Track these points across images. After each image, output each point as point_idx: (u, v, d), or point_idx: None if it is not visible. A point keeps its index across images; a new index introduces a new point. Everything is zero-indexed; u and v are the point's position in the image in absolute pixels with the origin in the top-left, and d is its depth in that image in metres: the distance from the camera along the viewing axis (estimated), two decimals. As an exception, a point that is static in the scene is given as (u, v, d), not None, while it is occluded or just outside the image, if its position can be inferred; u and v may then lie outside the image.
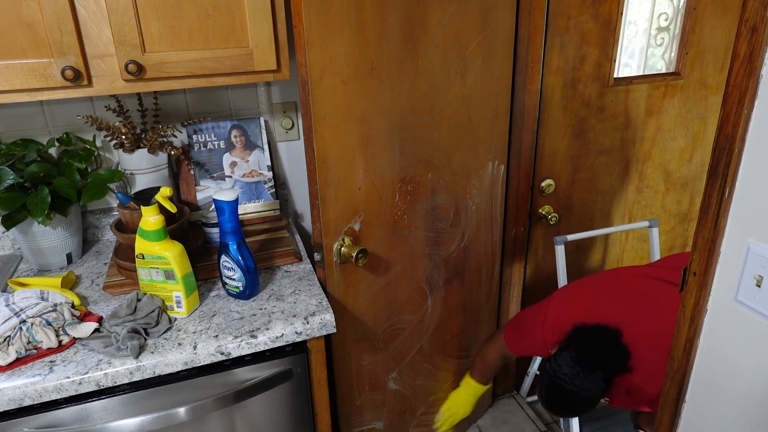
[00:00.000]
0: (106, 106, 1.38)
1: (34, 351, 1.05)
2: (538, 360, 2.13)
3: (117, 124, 1.36)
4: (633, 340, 1.29)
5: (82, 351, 1.07)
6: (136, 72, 1.11)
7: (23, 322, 1.05)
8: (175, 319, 1.17)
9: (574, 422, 1.86)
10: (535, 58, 1.68)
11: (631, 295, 1.38)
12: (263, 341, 1.12)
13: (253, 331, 1.13)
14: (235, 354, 1.10)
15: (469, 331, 1.88)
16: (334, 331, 1.18)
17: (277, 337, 1.13)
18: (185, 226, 1.33)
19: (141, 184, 1.41)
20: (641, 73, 2.05)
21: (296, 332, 1.15)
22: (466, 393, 1.69)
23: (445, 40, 1.40)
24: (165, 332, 1.12)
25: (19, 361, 1.03)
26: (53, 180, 1.28)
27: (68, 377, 1.00)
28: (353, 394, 1.54)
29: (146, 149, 1.39)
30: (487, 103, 1.59)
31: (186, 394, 1.11)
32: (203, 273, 1.31)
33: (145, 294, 1.17)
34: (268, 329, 1.13)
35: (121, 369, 1.03)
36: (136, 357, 1.04)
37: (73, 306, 1.16)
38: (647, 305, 1.34)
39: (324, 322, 1.17)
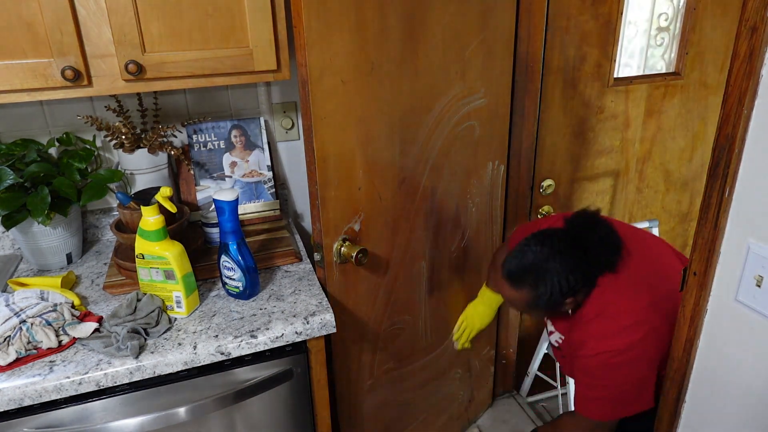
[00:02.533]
0: (106, 106, 1.38)
1: (34, 351, 1.05)
2: (538, 360, 2.13)
3: (117, 124, 1.36)
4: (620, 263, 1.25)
5: (82, 351, 1.07)
6: (136, 72, 1.11)
7: (23, 322, 1.05)
8: (175, 319, 1.17)
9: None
10: (535, 58, 1.68)
11: (624, 230, 1.33)
12: (263, 341, 1.12)
13: (253, 331, 1.13)
14: (235, 354, 1.10)
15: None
16: (334, 331, 1.19)
17: (277, 337, 1.13)
18: (185, 226, 1.33)
19: (141, 184, 1.41)
20: (641, 73, 2.05)
21: (296, 332, 1.15)
22: (483, 303, 1.66)
23: (445, 40, 1.40)
24: (165, 332, 1.12)
25: (19, 361, 1.03)
26: (53, 180, 1.28)
27: (68, 377, 1.00)
28: (353, 394, 1.54)
29: (146, 149, 1.39)
30: (486, 102, 1.59)
31: (186, 394, 1.11)
32: (203, 273, 1.31)
33: (145, 294, 1.17)
34: (268, 329, 1.13)
35: (121, 369, 1.03)
36: (136, 357, 1.04)
37: (73, 306, 1.16)
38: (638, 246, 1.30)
39: (324, 322, 1.17)
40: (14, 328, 1.05)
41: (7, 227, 1.25)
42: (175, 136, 1.54)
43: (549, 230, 1.25)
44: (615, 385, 1.21)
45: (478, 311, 1.67)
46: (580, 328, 1.27)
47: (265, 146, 1.57)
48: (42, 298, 1.13)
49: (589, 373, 1.24)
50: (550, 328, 1.42)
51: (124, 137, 1.36)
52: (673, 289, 1.22)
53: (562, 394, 2.10)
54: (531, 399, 2.24)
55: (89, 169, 1.38)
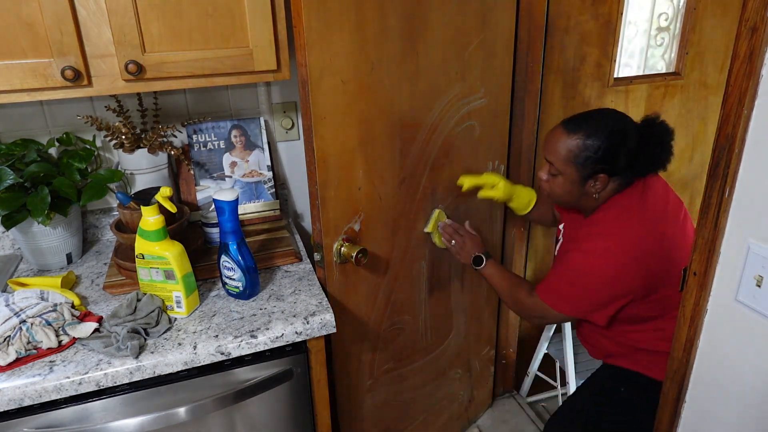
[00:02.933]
0: (106, 106, 1.38)
1: (34, 351, 1.05)
2: (538, 360, 2.13)
3: (117, 124, 1.36)
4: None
5: (82, 351, 1.07)
6: (136, 72, 1.11)
7: (23, 322, 1.05)
8: (175, 319, 1.17)
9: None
10: (535, 58, 1.68)
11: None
12: (263, 341, 1.12)
13: (253, 331, 1.13)
14: (235, 354, 1.10)
15: (469, 331, 1.88)
16: (334, 331, 1.18)
17: (277, 337, 1.13)
18: (185, 226, 1.33)
19: (141, 184, 1.41)
20: (641, 73, 2.05)
21: (296, 332, 1.15)
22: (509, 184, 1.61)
23: (445, 40, 1.40)
24: (165, 332, 1.12)
25: (19, 361, 1.03)
26: (53, 180, 1.28)
27: (68, 377, 1.00)
28: (353, 394, 1.54)
29: (146, 149, 1.39)
30: (486, 102, 1.59)
31: (186, 394, 1.11)
32: (203, 273, 1.31)
33: (145, 294, 1.17)
34: (268, 329, 1.13)
35: (121, 369, 1.03)
36: (136, 357, 1.04)
37: (73, 306, 1.16)
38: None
39: (324, 322, 1.17)
40: (14, 328, 1.05)
41: (7, 227, 1.25)
42: (175, 136, 1.54)
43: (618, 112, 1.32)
44: (581, 284, 1.29)
45: (503, 184, 1.59)
46: (587, 225, 1.33)
47: (265, 146, 1.57)
48: (42, 298, 1.13)
49: (570, 267, 1.31)
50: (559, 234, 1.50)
51: (124, 137, 1.36)
52: (684, 248, 1.29)
53: (562, 394, 2.10)
54: (531, 399, 2.24)
55: (89, 169, 1.38)
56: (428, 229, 1.54)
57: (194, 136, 1.51)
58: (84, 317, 1.14)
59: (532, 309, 1.38)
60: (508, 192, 1.59)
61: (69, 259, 1.40)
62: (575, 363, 1.91)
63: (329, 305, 1.21)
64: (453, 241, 1.51)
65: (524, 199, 1.61)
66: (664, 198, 1.34)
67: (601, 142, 1.23)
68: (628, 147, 1.25)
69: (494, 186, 1.58)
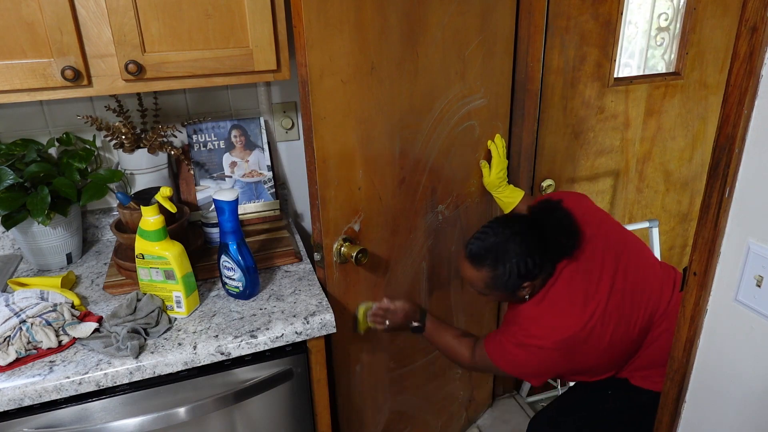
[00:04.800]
0: (106, 106, 1.38)
1: (34, 351, 1.05)
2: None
3: (117, 124, 1.36)
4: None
5: (82, 351, 1.07)
6: (136, 72, 1.11)
7: (23, 322, 1.05)
8: (175, 319, 1.17)
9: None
10: (535, 58, 1.68)
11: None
12: (263, 341, 1.12)
13: (253, 331, 1.13)
14: (235, 354, 1.10)
15: (470, 331, 1.88)
16: (334, 331, 1.18)
17: (277, 337, 1.13)
18: (185, 226, 1.33)
19: (141, 184, 1.41)
20: (641, 73, 2.05)
21: (296, 332, 1.15)
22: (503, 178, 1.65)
23: (445, 40, 1.40)
24: (165, 332, 1.12)
25: (19, 361, 1.03)
26: (53, 180, 1.28)
27: (68, 377, 1.00)
28: (353, 394, 1.53)
29: (146, 149, 1.39)
30: (486, 102, 1.59)
31: (186, 394, 1.11)
32: (203, 273, 1.31)
33: (145, 294, 1.17)
34: (268, 329, 1.13)
35: (121, 369, 1.03)
36: (136, 357, 1.04)
37: (73, 306, 1.16)
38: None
39: (324, 322, 1.17)
40: (14, 328, 1.05)
41: (7, 227, 1.25)
42: (175, 136, 1.54)
43: (513, 215, 1.32)
44: (519, 362, 1.30)
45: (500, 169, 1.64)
46: (525, 311, 1.32)
47: (265, 146, 1.57)
48: (42, 298, 1.13)
49: (508, 335, 1.31)
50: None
51: (124, 137, 1.36)
52: (637, 291, 1.31)
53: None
54: (531, 399, 2.24)
55: (89, 169, 1.38)
56: (360, 329, 1.42)
57: (194, 136, 1.51)
58: (84, 317, 1.14)
59: (476, 366, 1.39)
60: (500, 177, 1.62)
61: (69, 259, 1.40)
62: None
63: (329, 305, 1.21)
64: (387, 322, 1.42)
65: (509, 198, 1.63)
66: (589, 261, 1.31)
67: (510, 266, 1.23)
68: (537, 255, 1.24)
69: (495, 167, 1.62)
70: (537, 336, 1.26)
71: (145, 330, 1.10)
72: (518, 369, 1.32)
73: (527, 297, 1.31)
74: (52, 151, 1.40)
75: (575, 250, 1.29)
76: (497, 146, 1.63)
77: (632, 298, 1.30)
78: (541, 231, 1.26)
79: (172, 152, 1.42)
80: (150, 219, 1.11)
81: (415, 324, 1.44)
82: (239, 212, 1.26)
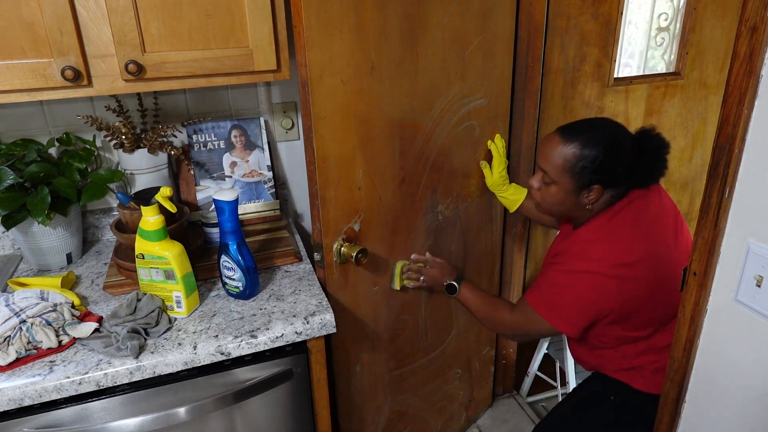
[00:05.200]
0: (106, 106, 1.38)
1: (34, 351, 1.05)
2: (538, 360, 2.13)
3: (117, 124, 1.36)
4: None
5: (82, 351, 1.07)
6: (136, 72, 1.11)
7: (23, 322, 1.05)
8: (175, 319, 1.17)
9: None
10: (535, 58, 1.68)
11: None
12: (263, 341, 1.12)
13: (253, 331, 1.13)
14: (235, 354, 1.10)
15: (469, 331, 1.88)
16: (334, 331, 1.18)
17: (277, 337, 1.13)
18: (185, 226, 1.33)
19: (141, 184, 1.41)
20: (641, 73, 2.05)
21: (296, 332, 1.15)
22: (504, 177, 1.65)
23: (445, 40, 1.40)
24: (165, 332, 1.12)
25: (19, 361, 1.03)
26: (53, 180, 1.28)
27: (68, 377, 1.00)
28: (353, 394, 1.54)
29: (146, 149, 1.39)
30: (486, 102, 1.59)
31: (186, 394, 1.11)
32: (203, 273, 1.31)
33: (145, 294, 1.17)
34: (268, 329, 1.13)
35: (121, 369, 1.03)
36: (136, 357, 1.04)
37: (73, 306, 1.16)
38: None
39: (324, 322, 1.17)
40: (14, 328, 1.05)
41: (7, 227, 1.25)
42: (175, 136, 1.54)
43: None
44: (565, 297, 1.27)
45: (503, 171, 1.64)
46: (573, 240, 1.31)
47: (265, 146, 1.57)
48: (42, 298, 1.13)
49: (550, 282, 1.30)
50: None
51: (124, 137, 1.36)
52: (674, 260, 1.27)
53: (561, 394, 2.10)
54: (531, 399, 2.24)
55: (89, 169, 1.38)
56: (396, 285, 1.47)
57: (194, 136, 1.51)
58: (84, 317, 1.14)
59: (517, 324, 1.35)
60: (503, 177, 1.62)
61: (69, 259, 1.40)
62: (575, 363, 1.91)
63: (329, 305, 1.21)
64: (422, 278, 1.46)
65: (514, 196, 1.62)
66: (658, 213, 1.31)
67: (598, 152, 1.21)
68: (624, 158, 1.23)
69: (497, 167, 1.61)
70: (593, 259, 1.23)
71: (145, 330, 1.10)
72: (561, 309, 1.27)
73: (588, 206, 1.27)
74: (52, 151, 1.40)
75: (656, 180, 1.30)
76: (497, 146, 1.63)
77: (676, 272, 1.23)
78: (637, 149, 1.25)
79: (172, 152, 1.42)
80: (150, 219, 1.11)
81: (450, 281, 1.44)
82: (239, 212, 1.26)
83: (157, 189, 1.19)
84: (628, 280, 1.22)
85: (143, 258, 1.14)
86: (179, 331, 1.13)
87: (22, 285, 1.24)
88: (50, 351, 1.06)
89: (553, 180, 1.28)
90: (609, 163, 1.22)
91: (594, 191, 1.25)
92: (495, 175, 1.62)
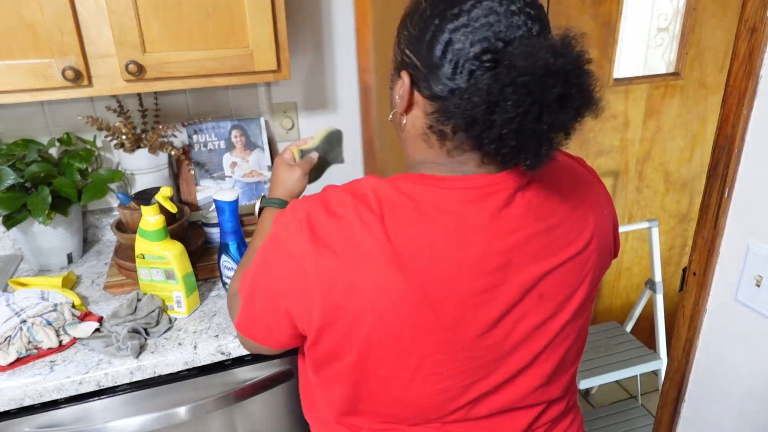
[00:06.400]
0: (106, 106, 1.38)
1: (35, 351, 1.05)
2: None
3: (117, 124, 1.37)
4: None
5: (83, 351, 1.07)
6: (136, 72, 1.11)
7: (24, 321, 1.06)
8: (176, 318, 1.17)
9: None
10: (535, 59, 1.68)
11: None
12: (263, 341, 1.12)
13: (253, 330, 1.13)
14: (235, 354, 1.10)
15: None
16: (335, 331, 1.18)
17: (277, 337, 1.13)
18: (185, 226, 1.33)
19: (141, 184, 1.41)
20: (641, 74, 2.06)
21: (296, 332, 1.15)
22: None
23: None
24: (165, 332, 1.12)
25: (19, 361, 1.03)
26: (54, 180, 1.28)
27: (69, 377, 1.00)
28: (353, 394, 1.53)
29: (146, 149, 1.39)
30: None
31: (186, 394, 1.11)
32: (203, 273, 1.31)
33: (146, 294, 1.17)
34: (268, 329, 1.13)
35: (122, 369, 1.03)
36: (137, 357, 1.04)
37: (73, 306, 1.16)
38: None
39: (324, 322, 1.17)
40: (15, 328, 1.05)
41: (8, 227, 1.25)
42: (176, 136, 1.54)
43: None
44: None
45: None
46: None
47: (266, 146, 1.57)
48: (42, 298, 1.13)
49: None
50: None
51: (124, 137, 1.36)
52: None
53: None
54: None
55: (89, 169, 1.38)
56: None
57: (194, 136, 1.51)
58: (84, 317, 1.14)
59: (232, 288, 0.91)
60: None
61: (69, 259, 1.40)
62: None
63: (329, 305, 1.21)
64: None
65: None
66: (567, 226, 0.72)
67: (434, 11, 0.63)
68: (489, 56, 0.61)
69: None
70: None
71: (145, 330, 1.10)
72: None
73: (396, 114, 0.72)
74: (53, 151, 1.40)
75: (548, 157, 0.63)
76: None
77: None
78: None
79: (173, 152, 1.43)
80: (150, 219, 1.11)
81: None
82: (239, 212, 1.26)
83: (157, 189, 1.19)
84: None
85: (144, 258, 1.14)
86: (179, 330, 1.13)
87: (23, 285, 1.24)
88: (51, 351, 1.06)
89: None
90: (427, 36, 0.64)
91: (397, 82, 0.71)
92: None
